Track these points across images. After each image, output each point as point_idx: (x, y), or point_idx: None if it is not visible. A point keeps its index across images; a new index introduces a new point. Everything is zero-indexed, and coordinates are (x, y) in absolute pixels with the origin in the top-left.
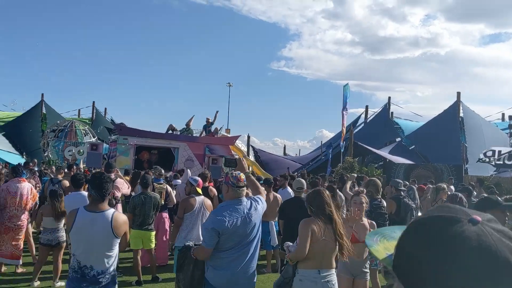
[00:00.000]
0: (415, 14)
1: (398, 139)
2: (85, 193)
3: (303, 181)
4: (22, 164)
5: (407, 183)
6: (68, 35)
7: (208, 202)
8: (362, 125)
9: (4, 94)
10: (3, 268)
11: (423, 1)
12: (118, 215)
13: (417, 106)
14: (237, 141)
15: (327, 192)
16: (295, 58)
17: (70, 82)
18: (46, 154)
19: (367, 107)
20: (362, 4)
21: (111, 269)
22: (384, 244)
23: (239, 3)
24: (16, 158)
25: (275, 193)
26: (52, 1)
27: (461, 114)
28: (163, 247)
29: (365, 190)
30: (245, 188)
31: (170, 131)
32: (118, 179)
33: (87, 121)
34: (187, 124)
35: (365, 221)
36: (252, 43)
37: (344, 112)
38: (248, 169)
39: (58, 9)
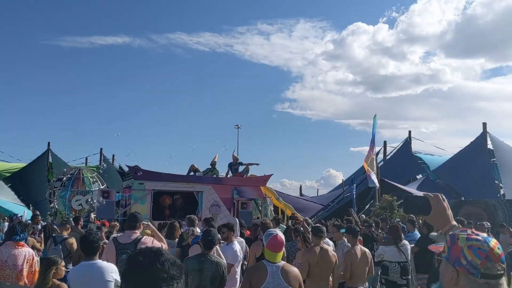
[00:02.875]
0: (415, 52)
1: (419, 176)
2: (103, 264)
3: None
4: (30, 218)
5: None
6: (71, 84)
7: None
8: (381, 162)
9: (9, 145)
10: None
11: (422, 39)
12: None
13: (422, 143)
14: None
15: None
16: (299, 99)
17: (77, 130)
18: (52, 205)
19: (385, 143)
20: (361, 45)
21: None
22: None
23: (241, 48)
24: (21, 210)
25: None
26: (54, 51)
27: (489, 146)
28: None
29: None
30: None
31: (192, 173)
32: (146, 237)
33: (95, 169)
34: (212, 164)
35: None
36: (256, 86)
37: (372, 145)
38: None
39: (61, 59)
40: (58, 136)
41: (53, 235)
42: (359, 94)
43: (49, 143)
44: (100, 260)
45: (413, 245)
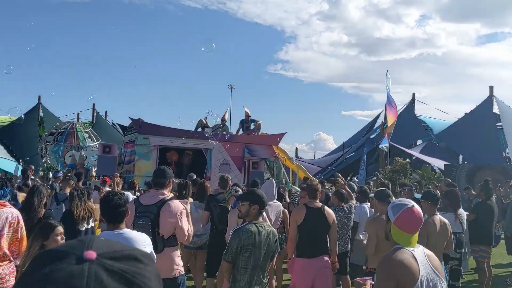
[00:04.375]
0: (410, 14)
1: (419, 142)
2: (133, 234)
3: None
4: (20, 172)
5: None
6: (63, 38)
7: None
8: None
9: None
10: None
11: (418, 1)
12: None
13: (417, 107)
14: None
15: None
16: (292, 61)
17: (68, 84)
18: (44, 160)
19: (386, 105)
20: (357, 5)
21: None
22: None
23: (234, 6)
24: (12, 165)
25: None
26: (46, 3)
27: (495, 110)
28: None
29: None
30: None
31: (200, 129)
32: (174, 200)
33: (88, 124)
34: (222, 120)
35: None
36: (249, 46)
37: (387, 104)
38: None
39: (51, 12)
40: (49, 90)
41: (56, 192)
42: (353, 56)
43: (39, 96)
44: (128, 230)
45: (467, 212)
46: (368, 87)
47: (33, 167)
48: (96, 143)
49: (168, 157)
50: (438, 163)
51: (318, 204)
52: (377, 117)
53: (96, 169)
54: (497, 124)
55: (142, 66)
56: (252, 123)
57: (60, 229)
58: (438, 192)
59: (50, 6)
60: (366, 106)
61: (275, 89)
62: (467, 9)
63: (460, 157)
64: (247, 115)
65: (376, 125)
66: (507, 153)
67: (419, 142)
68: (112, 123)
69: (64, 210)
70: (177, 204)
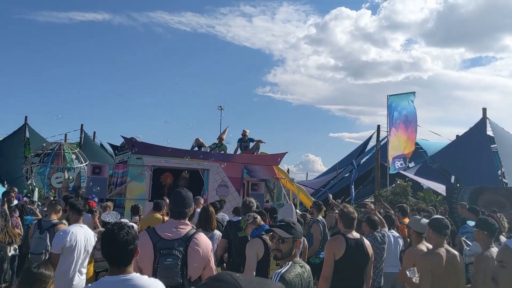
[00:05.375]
0: (396, 39)
1: (411, 164)
2: (143, 282)
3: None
4: (2, 195)
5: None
6: (50, 58)
7: None
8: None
9: None
10: None
11: (403, 26)
12: None
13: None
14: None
15: None
16: (280, 83)
17: (55, 106)
18: (29, 182)
19: (378, 127)
20: (343, 30)
21: None
22: None
23: (223, 30)
24: None
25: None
26: (31, 26)
27: (489, 132)
28: None
29: None
30: None
31: (196, 148)
32: (201, 233)
33: (75, 145)
34: (220, 139)
35: None
36: (238, 68)
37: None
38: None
39: (38, 35)
40: (36, 111)
41: (40, 217)
42: (340, 79)
43: (26, 117)
44: (137, 274)
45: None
46: (355, 109)
47: (16, 189)
48: (84, 164)
49: (162, 179)
50: (434, 186)
51: (356, 234)
52: (369, 139)
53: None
54: (492, 146)
55: (131, 88)
56: (251, 142)
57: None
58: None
59: (38, 27)
60: (354, 128)
61: (264, 111)
62: (451, 34)
63: (452, 178)
64: (245, 134)
65: (368, 147)
66: (504, 175)
67: (411, 164)
68: (101, 144)
69: (48, 239)
70: (205, 239)
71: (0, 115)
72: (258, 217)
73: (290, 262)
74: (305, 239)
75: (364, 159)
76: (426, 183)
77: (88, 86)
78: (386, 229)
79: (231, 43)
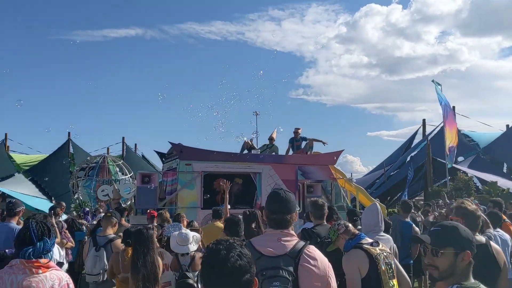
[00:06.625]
0: (430, 32)
1: (460, 158)
2: None
3: None
4: (49, 210)
5: None
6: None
7: None
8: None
9: (29, 136)
10: None
11: (437, 18)
12: None
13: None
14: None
15: None
16: (313, 85)
17: (97, 120)
18: (76, 196)
19: (424, 121)
20: (375, 26)
21: None
22: None
23: (253, 36)
24: (44, 204)
25: None
26: (68, 45)
27: None
28: None
29: None
30: None
31: (246, 150)
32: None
33: (119, 157)
34: (270, 139)
35: None
36: (270, 73)
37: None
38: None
39: (75, 53)
40: (78, 126)
41: (95, 234)
42: (375, 77)
43: (69, 133)
44: None
45: None
46: (392, 106)
47: (64, 204)
48: (129, 175)
49: (215, 185)
50: (488, 178)
51: (481, 238)
52: (415, 134)
53: (135, 202)
54: None
55: (168, 99)
56: (303, 141)
57: None
58: None
59: (74, 46)
60: (392, 126)
61: (298, 114)
62: (486, 23)
63: (504, 168)
64: (297, 132)
65: (415, 142)
66: None
67: (460, 158)
68: (142, 156)
69: (105, 257)
70: (319, 254)
71: (44, 132)
72: (350, 225)
73: (456, 286)
74: (394, 246)
75: (411, 155)
76: (481, 176)
77: (126, 100)
78: (492, 230)
79: (262, 48)
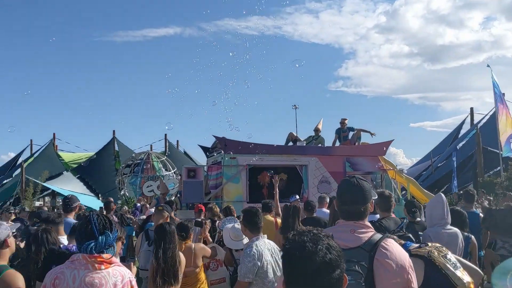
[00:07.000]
0: (473, 18)
1: None
2: None
3: None
4: (103, 205)
5: None
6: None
7: None
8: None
9: (76, 135)
10: None
11: (480, 4)
12: None
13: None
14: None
15: None
16: (353, 76)
17: (140, 118)
18: (122, 192)
19: (472, 110)
20: (415, 14)
21: None
22: None
23: (290, 29)
24: (92, 201)
25: None
26: (110, 46)
27: None
28: None
29: None
30: None
31: (291, 143)
32: (390, 240)
33: (162, 154)
34: (316, 130)
35: None
36: (308, 65)
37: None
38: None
39: (116, 54)
40: (122, 124)
41: (147, 228)
42: (416, 66)
43: (114, 131)
44: None
45: None
46: (435, 96)
47: (111, 199)
48: (172, 171)
49: (260, 179)
50: None
51: None
52: (462, 123)
53: (181, 196)
54: None
55: (206, 95)
56: (351, 131)
57: None
58: None
59: (116, 47)
60: (435, 116)
61: (338, 106)
62: None
63: None
64: (343, 123)
65: (462, 131)
66: None
67: None
68: (184, 152)
69: None
70: (399, 248)
71: (91, 132)
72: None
73: None
74: (472, 236)
75: (460, 145)
76: None
77: (166, 97)
78: None
79: (299, 41)
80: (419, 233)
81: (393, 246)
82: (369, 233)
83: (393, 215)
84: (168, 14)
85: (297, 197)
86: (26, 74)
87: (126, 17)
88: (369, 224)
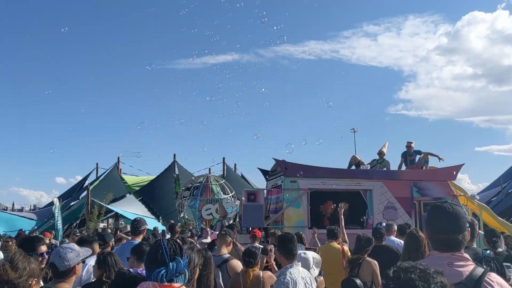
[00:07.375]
0: None
1: None
2: None
3: None
4: (169, 228)
5: None
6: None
7: None
8: None
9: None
10: None
11: None
12: None
13: None
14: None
15: None
16: (413, 99)
17: (199, 141)
18: (182, 215)
19: None
20: (479, 35)
21: None
22: None
23: (348, 53)
24: (153, 223)
25: None
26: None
27: None
28: None
29: None
30: None
31: (354, 166)
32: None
33: (220, 177)
34: (380, 153)
35: None
36: (366, 89)
37: None
38: None
39: (177, 81)
40: (182, 148)
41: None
42: (481, 88)
43: (174, 154)
44: None
45: None
46: (502, 119)
47: (172, 221)
48: (230, 194)
49: (327, 205)
50: None
51: None
52: None
53: (240, 220)
54: None
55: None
56: (417, 155)
57: None
58: None
59: (177, 74)
60: (503, 140)
61: (398, 130)
62: None
63: None
64: (410, 146)
65: None
66: None
67: None
68: (242, 175)
69: (220, 278)
70: (503, 284)
71: (153, 156)
72: None
73: None
74: None
75: None
76: None
77: (222, 121)
78: None
79: (357, 65)
80: (505, 264)
81: (500, 282)
82: (469, 266)
83: (474, 245)
84: (227, 43)
85: (383, 224)
86: (98, 105)
87: (186, 46)
88: (468, 256)
